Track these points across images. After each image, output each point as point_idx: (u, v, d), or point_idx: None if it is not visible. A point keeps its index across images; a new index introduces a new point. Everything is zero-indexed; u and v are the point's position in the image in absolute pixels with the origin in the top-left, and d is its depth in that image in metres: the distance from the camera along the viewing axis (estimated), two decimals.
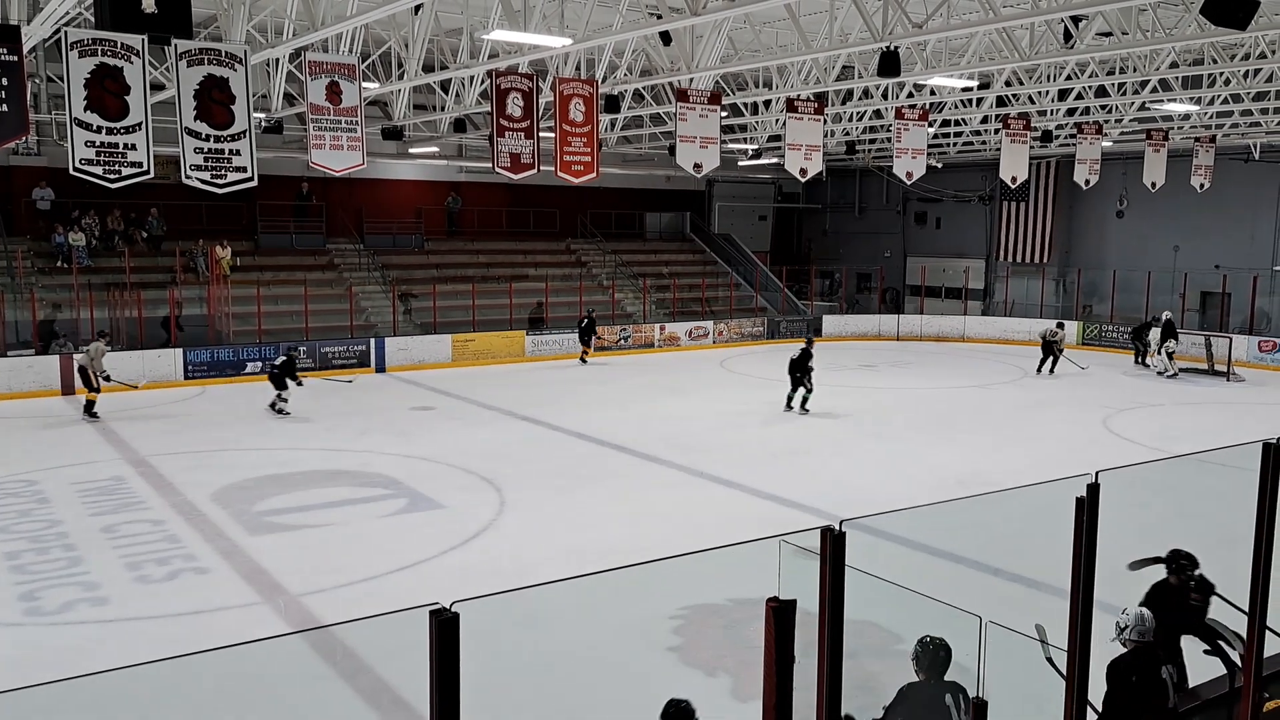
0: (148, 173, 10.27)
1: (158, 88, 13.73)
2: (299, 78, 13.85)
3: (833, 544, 3.02)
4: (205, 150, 10.71)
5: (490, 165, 14.16)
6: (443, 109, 19.31)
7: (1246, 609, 3.83)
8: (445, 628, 2.33)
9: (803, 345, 18.09)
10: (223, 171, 10.81)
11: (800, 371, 17.49)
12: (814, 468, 13.95)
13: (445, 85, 18.51)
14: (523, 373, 22.97)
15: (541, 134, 14.48)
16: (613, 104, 17.17)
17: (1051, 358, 22.39)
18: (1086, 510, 3.24)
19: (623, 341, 26.84)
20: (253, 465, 13.87)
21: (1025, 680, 4.56)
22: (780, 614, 3.12)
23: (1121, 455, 14.10)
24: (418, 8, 13.09)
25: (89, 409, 16.92)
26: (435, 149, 26.12)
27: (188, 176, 10.73)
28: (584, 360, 24.55)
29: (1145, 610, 4.58)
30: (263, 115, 17.75)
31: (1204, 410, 18.62)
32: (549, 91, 14.61)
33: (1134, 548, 9.22)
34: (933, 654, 4.73)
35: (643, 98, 20.18)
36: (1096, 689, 3.75)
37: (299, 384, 17.65)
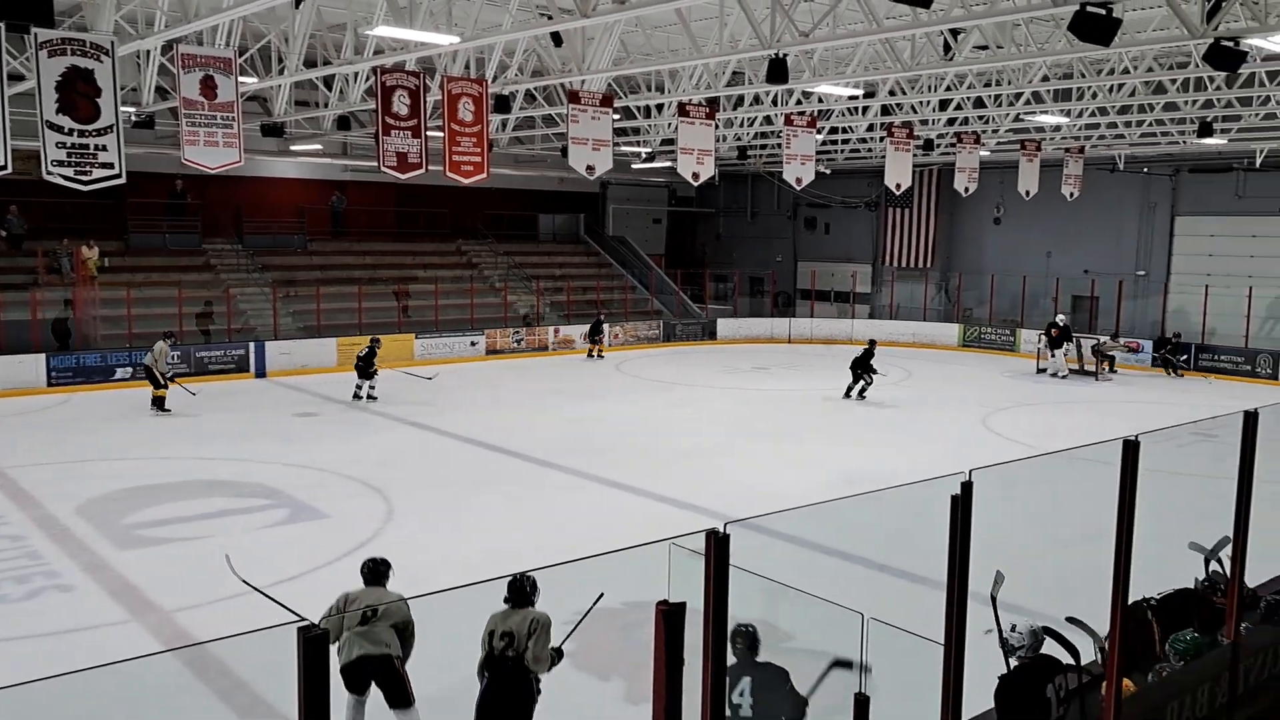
0: (5, 168, 9.66)
1: (16, 78, 12.99)
2: (172, 71, 13.27)
3: (717, 546, 3.01)
4: (69, 145, 10.15)
5: (376, 164, 13.83)
6: (326, 106, 18.79)
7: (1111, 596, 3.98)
8: (313, 645, 2.22)
9: (865, 346, 20.35)
10: (87, 168, 10.27)
11: (862, 368, 19.77)
12: (710, 469, 14.06)
13: (329, 81, 18.02)
14: (412, 377, 22.53)
15: (430, 133, 14.23)
16: (503, 104, 16.99)
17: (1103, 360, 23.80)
18: (961, 507, 3.31)
19: (516, 345, 26.62)
20: (122, 476, 13.22)
21: (906, 674, 4.65)
22: (670, 617, 3.11)
23: (999, 453, 14.62)
24: (298, 1, 12.69)
25: (159, 404, 17.59)
26: (319, 147, 25.40)
27: (49, 173, 10.15)
28: (597, 355, 26.21)
29: (1037, 625, 4.65)
30: (133, 109, 16.98)
31: (1076, 409, 19.48)
32: (437, 90, 14.36)
33: (1012, 540, 9.54)
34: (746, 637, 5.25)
35: (534, 98, 20.04)
36: (972, 681, 3.84)
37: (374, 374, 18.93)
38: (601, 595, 6.51)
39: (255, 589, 7.55)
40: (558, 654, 6.17)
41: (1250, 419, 5.00)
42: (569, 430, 16.59)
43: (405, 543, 10.82)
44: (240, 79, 13.03)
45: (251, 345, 22.42)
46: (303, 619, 2.28)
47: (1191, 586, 5.98)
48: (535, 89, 18.92)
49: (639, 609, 7.94)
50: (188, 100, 12.19)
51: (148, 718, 6.47)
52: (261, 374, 22.12)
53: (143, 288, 23.31)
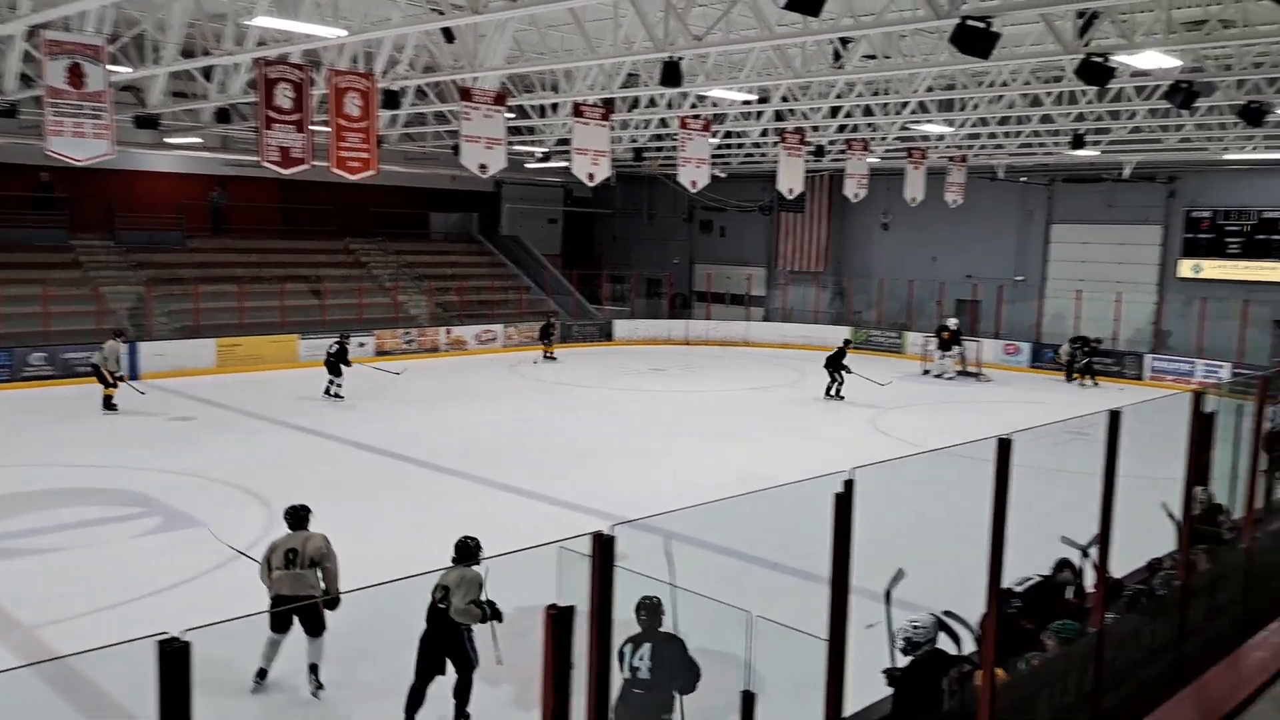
0: None
1: None
2: (37, 57, 12.57)
3: (602, 548, 2.97)
4: None
5: (259, 159, 13.37)
6: (205, 98, 18.08)
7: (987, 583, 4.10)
8: (174, 659, 2.09)
9: (839, 346, 21.05)
10: None
11: (836, 367, 20.49)
12: (604, 471, 14.03)
13: (208, 73, 17.35)
14: (296, 380, 21.87)
15: (316, 128, 13.84)
16: (392, 100, 16.62)
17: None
18: (843, 505, 3.35)
19: (406, 346, 26.13)
20: None
21: (794, 670, 4.71)
22: (558, 620, 3.06)
23: (886, 452, 15.00)
24: None
25: (108, 403, 17.52)
26: (198, 140, 24.39)
27: None
28: (547, 357, 26.18)
29: (937, 615, 4.78)
30: None
31: (958, 409, 20.15)
32: (323, 84, 13.97)
33: (896, 537, 9.78)
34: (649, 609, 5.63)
35: (426, 95, 19.70)
36: (856, 676, 3.90)
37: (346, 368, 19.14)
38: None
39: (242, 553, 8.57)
40: (491, 611, 6.76)
41: (1114, 418, 5.21)
42: (460, 434, 16.36)
43: None
44: (112, 68, 12.45)
45: (124, 347, 21.40)
46: (164, 634, 2.15)
47: (1048, 574, 6.26)
48: (426, 85, 18.61)
49: (530, 614, 7.87)
50: (53, 89, 11.58)
51: None
52: (135, 376, 21.15)
53: (4, 285, 22.02)
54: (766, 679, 5.31)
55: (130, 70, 15.32)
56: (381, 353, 25.26)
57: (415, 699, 6.73)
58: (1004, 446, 3.79)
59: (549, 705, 3.05)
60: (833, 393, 20.64)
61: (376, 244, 30.64)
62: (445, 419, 17.80)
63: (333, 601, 7.18)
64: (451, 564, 7.03)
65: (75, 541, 10.48)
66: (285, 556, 7.37)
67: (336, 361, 19.27)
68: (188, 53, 15.13)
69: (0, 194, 23.22)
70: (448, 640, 6.69)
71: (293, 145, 13.16)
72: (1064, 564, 6.43)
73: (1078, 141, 20.82)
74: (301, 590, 7.17)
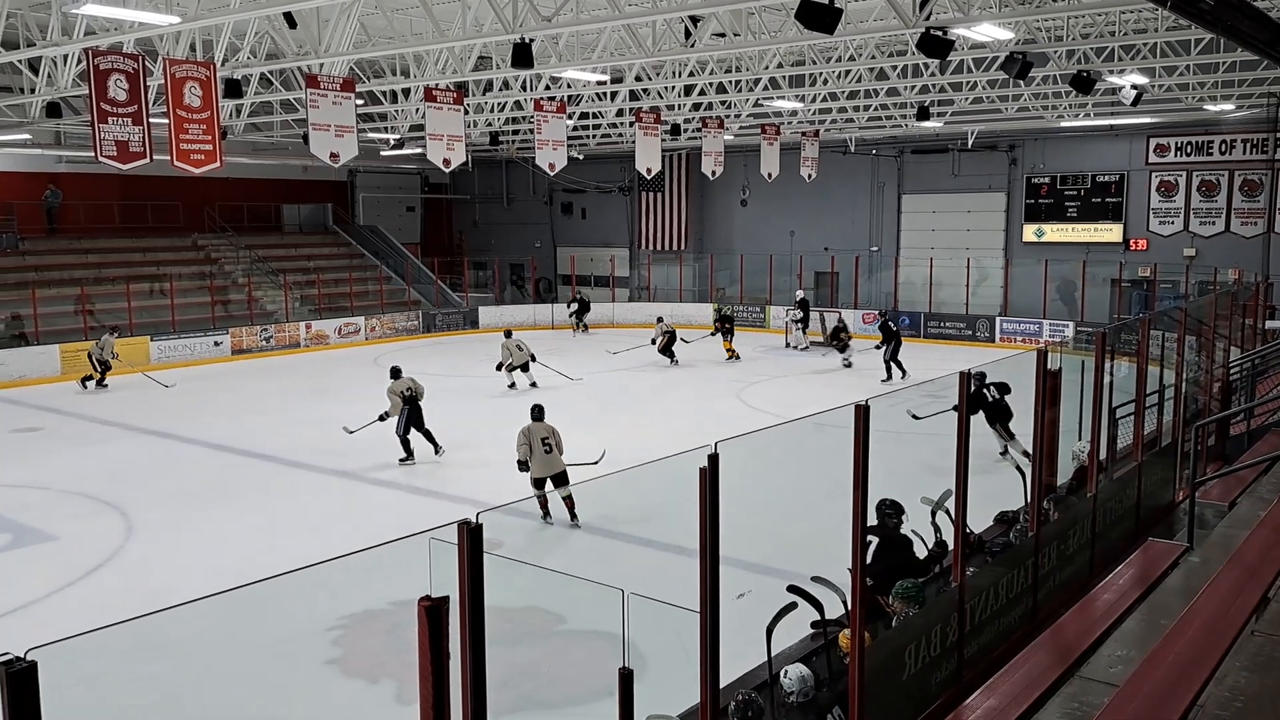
0: None
1: None
2: None
3: (470, 537, 2.98)
4: None
5: (94, 154, 12.65)
6: (33, 91, 16.98)
7: (851, 548, 4.28)
8: (19, 680, 2.00)
9: (836, 324, 22.22)
10: None
11: (836, 340, 21.94)
12: (471, 460, 13.91)
13: (34, 64, 16.30)
14: (148, 383, 20.89)
15: (155, 120, 13.18)
16: (234, 89, 15.95)
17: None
18: (710, 478, 3.45)
19: (265, 343, 25.25)
20: None
21: (669, 645, 4.81)
22: (433, 612, 3.05)
23: (752, 424, 15.35)
24: None
25: (100, 381, 19.72)
26: (27, 136, 22.90)
27: None
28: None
29: (806, 670, 4.82)
30: None
31: (822, 379, 20.76)
32: (160, 74, 13.30)
33: (765, 506, 10.07)
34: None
35: (270, 83, 18.99)
36: (732, 638, 4.02)
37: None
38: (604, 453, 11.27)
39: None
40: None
41: (964, 379, 5.50)
42: (321, 430, 15.91)
43: (148, 558, 10.08)
44: None
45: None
46: (6, 655, 2.06)
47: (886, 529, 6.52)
48: (270, 73, 17.94)
49: (405, 608, 7.81)
50: None
51: None
52: None
53: None
54: (646, 656, 5.41)
55: None
56: (239, 351, 24.34)
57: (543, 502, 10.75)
58: (861, 412, 3.95)
59: (427, 698, 3.06)
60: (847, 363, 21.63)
61: (227, 239, 29.41)
62: (306, 416, 17.29)
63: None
64: (534, 421, 11.02)
65: None
66: (544, 444, 10.85)
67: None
68: (10, 44, 14.18)
69: None
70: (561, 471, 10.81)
71: (130, 139, 12.50)
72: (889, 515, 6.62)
73: (923, 113, 21.67)
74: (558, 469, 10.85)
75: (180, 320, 24.54)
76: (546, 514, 10.85)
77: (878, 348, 20.53)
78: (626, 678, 3.56)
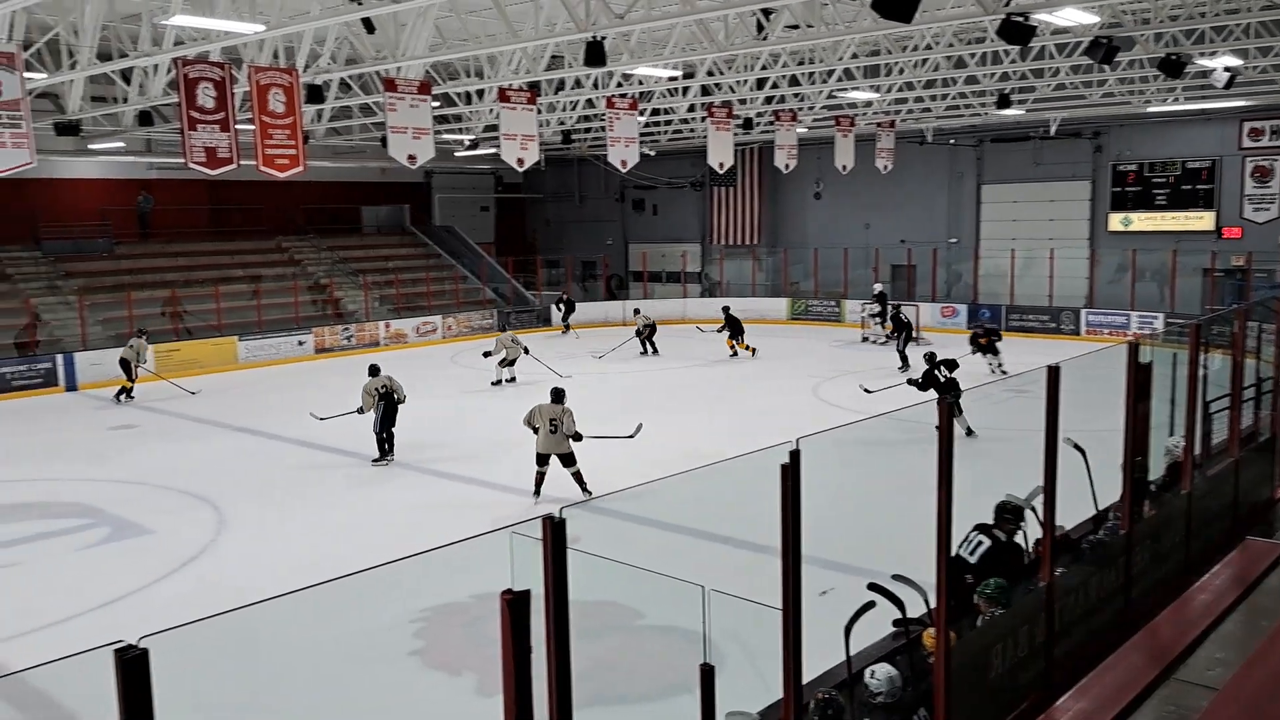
0: None
1: None
2: None
3: (553, 531, 3.01)
4: None
5: (184, 161, 13.08)
6: (126, 101, 17.62)
7: (936, 546, 4.21)
8: (132, 667, 2.10)
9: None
10: None
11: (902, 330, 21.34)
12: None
13: (127, 75, 16.90)
14: (236, 382, 21.54)
15: (241, 126, 13.56)
16: (316, 94, 16.35)
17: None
18: (791, 475, 3.42)
19: (346, 342, 25.81)
20: None
21: (746, 642, 4.80)
22: (515, 606, 3.09)
23: (829, 420, 15.20)
24: None
25: (128, 394, 18.94)
26: (121, 144, 23.79)
27: None
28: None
29: (894, 671, 4.72)
30: None
31: (896, 374, 20.40)
32: (245, 81, 13.68)
33: (846, 503, 9.96)
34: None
35: (349, 87, 19.41)
36: (811, 642, 3.99)
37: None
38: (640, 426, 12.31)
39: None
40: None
41: (1053, 373, 5.35)
42: (403, 426, 16.22)
43: (240, 552, 10.39)
44: (27, 74, 12.06)
45: (60, 358, 20.93)
46: (120, 643, 2.15)
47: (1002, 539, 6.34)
48: (350, 78, 18.33)
49: (485, 601, 7.90)
50: None
51: None
52: (73, 387, 20.67)
53: None
54: (725, 652, 5.40)
55: (46, 76, 14.88)
56: (322, 350, 24.91)
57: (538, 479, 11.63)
58: (946, 408, 3.89)
59: (510, 691, 3.09)
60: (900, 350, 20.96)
61: (309, 241, 30.16)
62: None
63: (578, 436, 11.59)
64: (549, 402, 11.61)
65: (24, 557, 10.28)
66: (550, 424, 11.47)
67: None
68: (104, 55, 14.73)
69: None
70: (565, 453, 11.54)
71: (218, 145, 12.89)
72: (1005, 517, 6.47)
73: (1003, 101, 21.19)
74: (560, 449, 11.54)
75: (266, 320, 25.24)
76: (537, 492, 11.64)
77: (889, 338, 20.71)
78: (708, 674, 3.56)
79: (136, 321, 22.90)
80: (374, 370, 14.26)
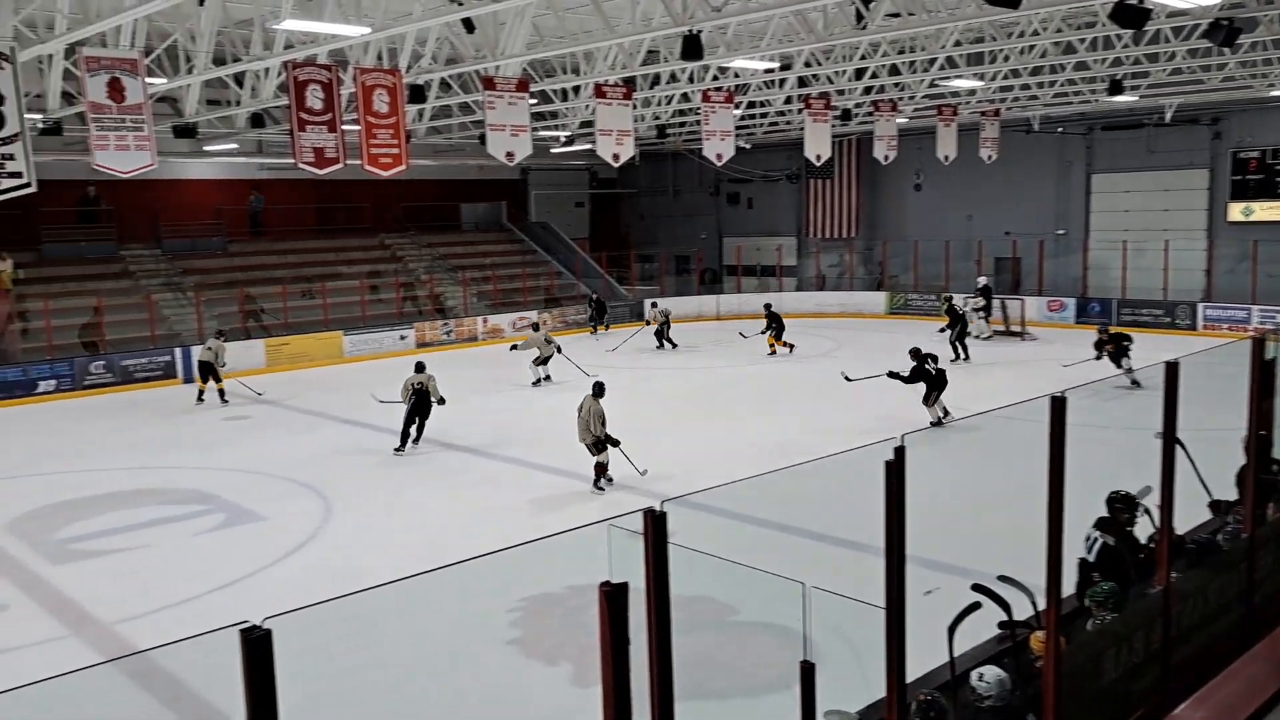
0: None
1: None
2: (77, 74, 12.81)
3: (654, 525, 3.02)
4: None
5: (293, 161, 13.54)
6: (238, 104, 18.31)
7: (1047, 549, 4.09)
8: (257, 647, 2.19)
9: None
10: None
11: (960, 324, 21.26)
12: (644, 450, 14.06)
13: (239, 79, 17.55)
14: (341, 374, 22.20)
15: (346, 126, 13.96)
16: (418, 94, 16.71)
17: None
18: (895, 473, 3.37)
19: (445, 337, 26.36)
20: (50, 490, 12.88)
21: (851, 640, 4.74)
22: (613, 597, 3.11)
23: (926, 418, 14.88)
24: None
25: (221, 395, 18.80)
26: (233, 146, 24.76)
27: None
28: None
29: (1003, 674, 4.59)
30: (39, 116, 16.36)
31: (1002, 370, 19.92)
32: (351, 83, 14.08)
33: (948, 503, 9.75)
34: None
35: (449, 86, 19.79)
36: (914, 643, 3.92)
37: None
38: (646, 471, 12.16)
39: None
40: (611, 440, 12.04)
41: (1172, 370, 5.14)
42: (500, 419, 16.52)
43: (345, 539, 10.71)
44: (148, 80, 12.64)
45: (178, 351, 21.88)
46: (245, 623, 2.24)
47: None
48: (450, 77, 18.68)
49: (581, 592, 7.97)
50: (95, 104, 11.80)
51: None
52: (189, 380, 21.59)
53: (59, 298, 22.60)
54: (823, 650, 5.35)
55: (165, 81, 15.55)
56: (422, 344, 25.46)
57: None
58: (1058, 404, 3.77)
59: (608, 681, 3.11)
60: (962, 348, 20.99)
61: (410, 238, 30.89)
62: (486, 405, 17.96)
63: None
64: (592, 398, 12.13)
65: (144, 540, 10.80)
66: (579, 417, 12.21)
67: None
68: (219, 60, 15.33)
69: (51, 209, 23.69)
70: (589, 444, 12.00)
71: (326, 145, 13.30)
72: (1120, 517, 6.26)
73: (1115, 87, 20.42)
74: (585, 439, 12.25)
75: (369, 316, 25.95)
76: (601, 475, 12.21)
77: (942, 331, 20.94)
78: (808, 671, 3.53)
79: (220, 321, 23.82)
80: (419, 367, 14.90)
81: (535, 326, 20.92)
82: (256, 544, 10.55)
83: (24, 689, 2.53)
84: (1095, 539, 5.82)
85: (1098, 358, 17.01)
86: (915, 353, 15.11)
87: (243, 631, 2.17)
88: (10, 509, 12.04)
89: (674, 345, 24.14)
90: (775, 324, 22.99)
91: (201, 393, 18.87)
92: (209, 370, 18.80)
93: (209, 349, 19.03)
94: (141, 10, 11.02)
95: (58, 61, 14.63)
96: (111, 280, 24.41)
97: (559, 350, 19.98)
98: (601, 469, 12.06)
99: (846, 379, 15.48)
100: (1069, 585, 5.15)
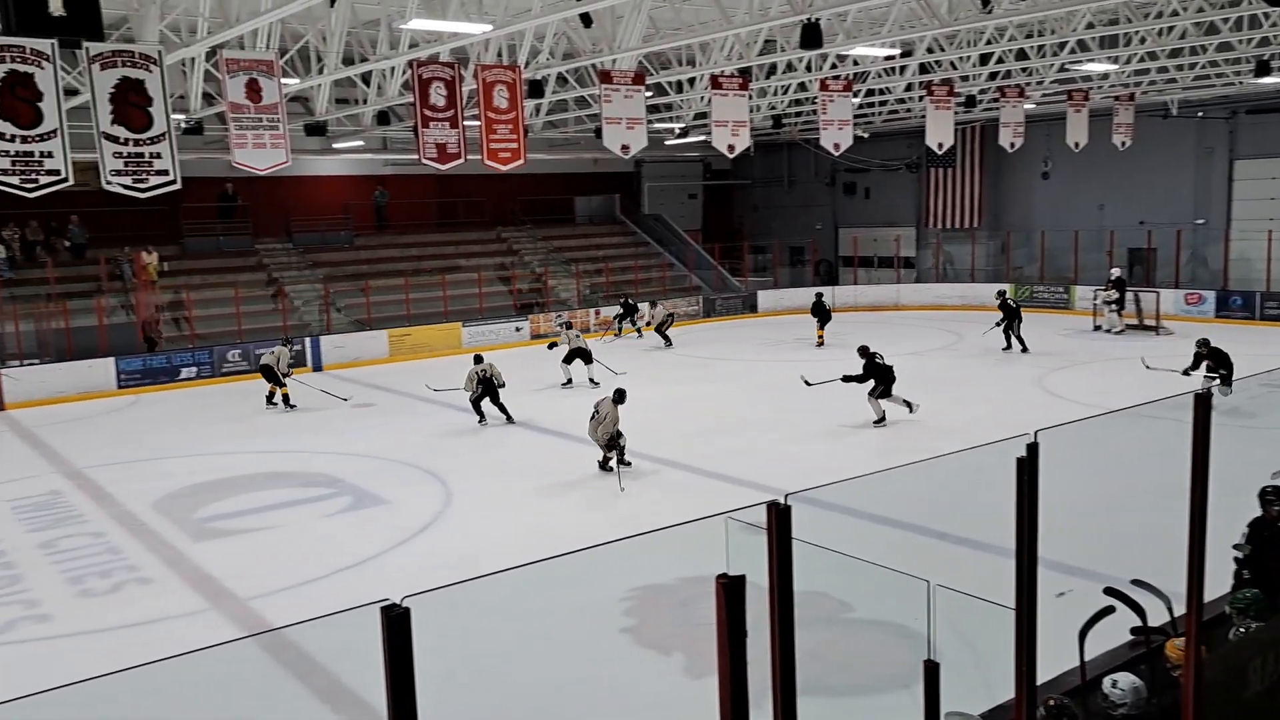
0: (66, 180, 9.92)
1: (71, 92, 13.24)
2: (217, 76, 13.46)
3: (779, 518, 3.01)
4: (125, 155, 10.38)
5: (416, 157, 13.93)
6: (365, 102, 18.95)
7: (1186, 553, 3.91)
8: (397, 624, 2.28)
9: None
10: (144, 175, 10.49)
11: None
12: (755, 444, 14.03)
13: (366, 78, 18.16)
14: (461, 365, 22.69)
15: (466, 122, 14.30)
16: (536, 89, 17.00)
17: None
18: (1028, 470, 3.28)
19: (558, 329, 26.69)
20: (192, 471, 13.59)
21: (976, 640, 4.63)
22: (730, 589, 3.11)
23: (1058, 414, 14.40)
24: (333, 0, 12.79)
25: (286, 400, 18.06)
26: (360, 143, 25.68)
27: (108, 182, 10.39)
28: (618, 336, 25.95)
29: (1139, 682, 4.45)
30: (182, 116, 17.27)
31: (1134, 366, 19.07)
32: (471, 79, 14.39)
33: (1077, 503, 9.41)
34: None
35: (566, 81, 20.03)
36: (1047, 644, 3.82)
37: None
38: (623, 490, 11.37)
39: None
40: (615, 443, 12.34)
41: (1200, 401, 4.75)
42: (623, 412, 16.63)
43: (464, 525, 11.00)
44: (282, 80, 13.19)
45: (308, 340, 22.81)
46: (385, 600, 2.34)
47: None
48: (567, 71, 18.90)
49: (693, 584, 8.00)
50: (234, 104, 12.37)
51: (230, 701, 6.66)
52: (318, 368, 22.50)
53: (200, 289, 23.86)
54: (942, 650, 5.25)
55: (298, 81, 16.20)
56: (537, 336, 25.87)
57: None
58: (1202, 401, 3.60)
59: (725, 673, 3.12)
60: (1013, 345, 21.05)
61: (525, 231, 31.42)
62: (595, 397, 18.10)
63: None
64: (612, 402, 12.50)
65: (276, 521, 11.32)
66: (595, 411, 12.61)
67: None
68: (348, 60, 15.88)
69: (191, 206, 25.02)
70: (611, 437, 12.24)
71: (448, 141, 13.65)
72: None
73: (1262, 68, 19.29)
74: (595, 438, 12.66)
75: (486, 308, 26.53)
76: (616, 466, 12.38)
77: (997, 325, 20.87)
78: (932, 670, 3.48)
79: (346, 313, 24.62)
80: (477, 359, 15.90)
81: (567, 324, 20.94)
82: (380, 527, 10.93)
83: (175, 659, 2.68)
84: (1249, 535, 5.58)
85: (1189, 370, 15.28)
86: (864, 350, 15.10)
87: (384, 609, 2.27)
88: (155, 489, 12.76)
89: (669, 343, 24.10)
90: (821, 314, 23.38)
91: (271, 395, 18.07)
92: (271, 374, 18.06)
93: (272, 353, 18.41)
94: (277, 13, 11.50)
95: (199, 64, 15.41)
96: (247, 273, 25.61)
97: (587, 356, 19.28)
98: (605, 462, 12.51)
99: (806, 383, 15.67)
100: (1212, 590, 4.92)
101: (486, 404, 15.86)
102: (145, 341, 21.90)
